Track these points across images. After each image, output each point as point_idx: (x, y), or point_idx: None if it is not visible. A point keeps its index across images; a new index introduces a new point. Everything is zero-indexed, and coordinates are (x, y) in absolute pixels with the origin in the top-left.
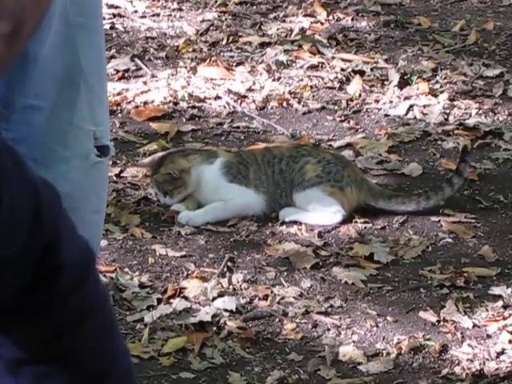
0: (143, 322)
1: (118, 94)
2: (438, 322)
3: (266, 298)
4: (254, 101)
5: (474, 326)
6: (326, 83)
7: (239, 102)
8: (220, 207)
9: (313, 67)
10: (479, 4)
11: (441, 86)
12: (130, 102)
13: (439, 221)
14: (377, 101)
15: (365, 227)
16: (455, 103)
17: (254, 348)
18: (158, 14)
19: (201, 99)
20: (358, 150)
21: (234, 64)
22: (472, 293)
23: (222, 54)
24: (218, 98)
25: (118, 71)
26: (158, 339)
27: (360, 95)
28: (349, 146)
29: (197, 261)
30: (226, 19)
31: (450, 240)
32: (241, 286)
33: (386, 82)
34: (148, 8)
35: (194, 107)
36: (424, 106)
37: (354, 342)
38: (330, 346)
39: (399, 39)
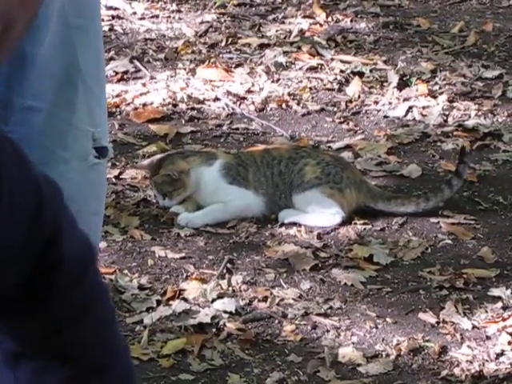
0: (143, 324)
1: (117, 95)
2: (438, 323)
3: (265, 299)
4: (253, 102)
5: (474, 327)
6: (325, 85)
7: (238, 103)
8: (219, 209)
9: (312, 69)
10: (478, 5)
11: (440, 88)
12: (129, 104)
13: (438, 222)
14: (376, 102)
15: (364, 229)
16: (454, 104)
17: (253, 349)
18: (157, 16)
19: (200, 101)
20: (357, 152)
21: (233, 65)
22: (471, 294)
23: (221, 55)
24: (217, 99)
25: (116, 73)
26: (157, 341)
27: (359, 97)
28: (348, 147)
29: (196, 262)
30: (224, 21)
31: (449, 241)
32: (240, 287)
33: (385, 84)
34: (147, 10)
35: (193, 109)
36: (423, 108)
37: (353, 343)
38: (330, 348)
39: (398, 40)
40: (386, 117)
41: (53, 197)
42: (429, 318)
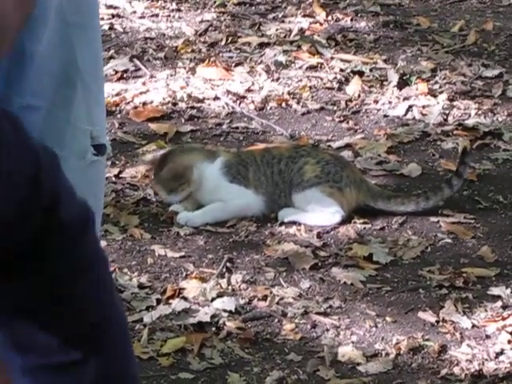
0: (142, 323)
1: (117, 94)
2: (437, 322)
3: (265, 298)
4: (252, 101)
5: (473, 326)
6: (325, 84)
7: (238, 102)
8: (219, 208)
9: (312, 68)
10: (478, 4)
11: (440, 87)
12: (128, 103)
13: (438, 221)
14: (376, 101)
15: (364, 228)
16: (454, 103)
17: (253, 348)
18: (157, 15)
19: (200, 100)
20: (357, 151)
21: (233, 64)
22: (471, 293)
23: (220, 54)
24: (216, 98)
25: (116, 72)
26: (157, 340)
27: (359, 96)
28: (348, 146)
29: (196, 261)
30: (224, 20)
31: (449, 240)
32: (240, 286)
33: (385, 83)
34: (147, 9)
35: (192, 108)
36: (423, 107)
37: (353, 342)
38: (329, 347)
39: (398, 39)
40: (385, 116)
41: (51, 166)
42: (428, 317)
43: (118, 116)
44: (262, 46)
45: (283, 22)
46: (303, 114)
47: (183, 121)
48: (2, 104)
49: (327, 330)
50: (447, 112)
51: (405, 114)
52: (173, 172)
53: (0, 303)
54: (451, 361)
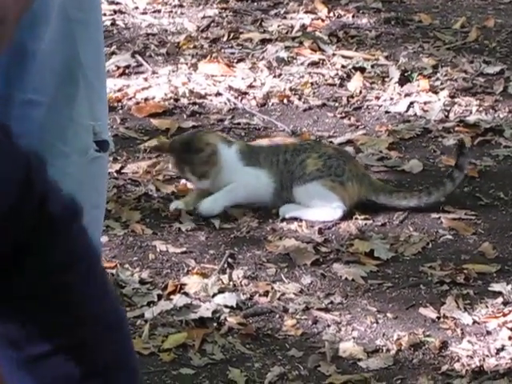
0: (144, 318)
1: (119, 90)
2: (438, 318)
3: (266, 294)
4: (254, 97)
5: (474, 322)
6: (326, 80)
7: (240, 98)
8: (235, 189)
9: (313, 64)
10: (480, 1)
11: (441, 83)
12: (130, 99)
13: (439, 218)
14: (377, 98)
15: (365, 224)
16: (456, 100)
17: (254, 344)
18: (159, 11)
19: (201, 96)
20: (358, 147)
21: (235, 60)
22: (472, 289)
23: (222, 50)
24: (218, 94)
25: (118, 67)
26: (158, 335)
27: (360, 92)
28: (349, 142)
29: (197, 257)
30: (226, 16)
31: (450, 237)
32: (241, 282)
33: (386, 79)
34: (149, 4)
35: (194, 104)
36: (424, 103)
37: (354, 338)
38: (330, 342)
39: (400, 36)
40: (387, 112)
41: (40, 170)
42: (429, 313)
43: (120, 112)
44: (263, 42)
45: (285, 18)
46: (305, 110)
47: (185, 117)
48: (3, 100)
49: (328, 325)
50: (448, 108)
51: (406, 111)
52: (204, 156)
53: None
54: (452, 357)
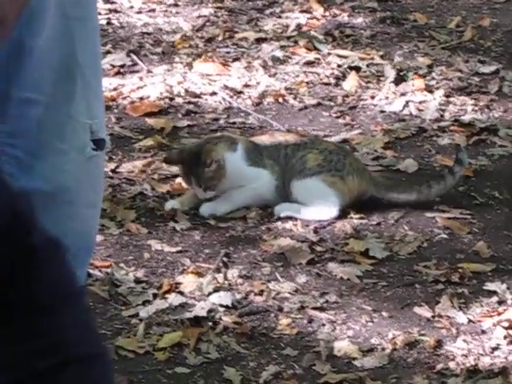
0: (139, 317)
1: (114, 89)
2: (433, 317)
3: (261, 293)
4: (249, 96)
5: (469, 321)
6: (321, 79)
7: (235, 97)
8: (239, 193)
9: (309, 63)
10: (475, 0)
11: (437, 83)
12: (125, 98)
13: (434, 217)
14: (372, 97)
15: (360, 223)
16: (451, 100)
17: (249, 343)
18: (154, 10)
19: (197, 95)
20: (353, 146)
21: (230, 60)
22: (467, 288)
23: (217, 49)
24: (213, 93)
25: (113, 66)
26: (153, 334)
27: (356, 91)
28: (345, 142)
29: (192, 256)
30: (222, 15)
31: (445, 236)
32: (236, 281)
33: (381, 78)
34: (144, 3)
35: (189, 103)
36: (420, 103)
37: (349, 337)
38: (325, 341)
39: (395, 35)
40: (382, 111)
41: (26, 207)
42: (424, 312)
43: (115, 111)
44: (259, 41)
45: (280, 17)
46: (300, 110)
47: (180, 116)
48: (2, 97)
49: (323, 324)
50: (444, 108)
51: (401, 110)
52: (214, 168)
53: None
54: (447, 356)
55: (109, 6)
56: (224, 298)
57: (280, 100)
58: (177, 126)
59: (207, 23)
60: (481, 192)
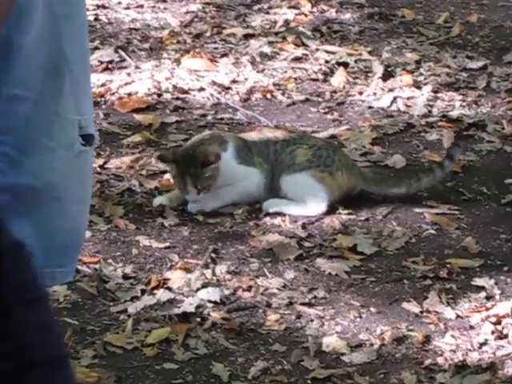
0: (127, 313)
1: (102, 85)
2: (421, 312)
3: (249, 289)
4: (237, 92)
5: (457, 316)
6: (309, 75)
7: (223, 93)
8: (228, 191)
9: (297, 59)
10: None
11: (424, 78)
12: (113, 94)
13: (423, 212)
14: (360, 93)
15: (348, 219)
16: (439, 95)
17: (237, 339)
18: (142, 6)
19: (185, 91)
20: (341, 142)
21: (218, 56)
22: (455, 284)
23: (205, 45)
24: (201, 89)
25: (101, 62)
26: (141, 330)
27: (344, 87)
28: (333, 137)
29: (180, 252)
30: (210, 11)
31: (433, 231)
32: (224, 277)
33: (369, 74)
34: None
35: (177, 99)
36: (408, 98)
37: (337, 332)
38: (314, 337)
39: (383, 31)
40: (370, 107)
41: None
42: (412, 307)
43: (103, 107)
44: (247, 37)
45: (268, 13)
46: (288, 106)
47: (168, 112)
48: None
49: (312, 320)
50: (432, 103)
51: (389, 106)
52: (211, 170)
53: None
54: (435, 351)
55: (96, 1)
56: (212, 293)
57: (268, 96)
58: (165, 121)
59: (195, 19)
60: (469, 188)
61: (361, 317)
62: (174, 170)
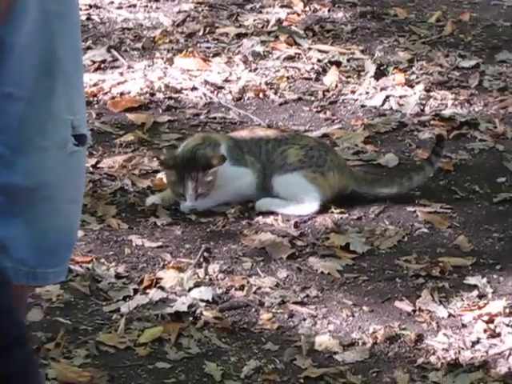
0: (119, 313)
1: (95, 84)
2: (414, 311)
3: (242, 288)
4: (230, 92)
5: (450, 315)
6: (302, 74)
7: (216, 92)
8: (221, 191)
9: (289, 58)
10: None
11: (417, 77)
12: (106, 93)
13: (415, 211)
14: (353, 92)
15: (341, 217)
16: (431, 94)
17: (230, 338)
18: (135, 5)
19: (177, 90)
20: (334, 141)
21: (211, 55)
22: (447, 282)
23: (198, 44)
24: (194, 88)
25: (94, 62)
26: (134, 329)
27: (336, 86)
28: (325, 136)
29: (173, 251)
30: (202, 10)
31: (425, 230)
32: (217, 276)
33: (362, 73)
34: None
35: (170, 98)
36: (400, 97)
37: (329, 331)
38: (306, 336)
39: (375, 30)
40: (363, 106)
41: None
42: (405, 306)
43: (96, 106)
44: (239, 36)
45: (261, 12)
46: (281, 105)
47: (161, 111)
48: None
49: (304, 319)
50: (424, 102)
51: (382, 105)
52: (212, 173)
53: None
54: (427, 350)
55: (89, 1)
56: (205, 292)
57: (260, 95)
58: (157, 121)
59: (188, 18)
60: (461, 186)
61: (353, 316)
62: (174, 176)
